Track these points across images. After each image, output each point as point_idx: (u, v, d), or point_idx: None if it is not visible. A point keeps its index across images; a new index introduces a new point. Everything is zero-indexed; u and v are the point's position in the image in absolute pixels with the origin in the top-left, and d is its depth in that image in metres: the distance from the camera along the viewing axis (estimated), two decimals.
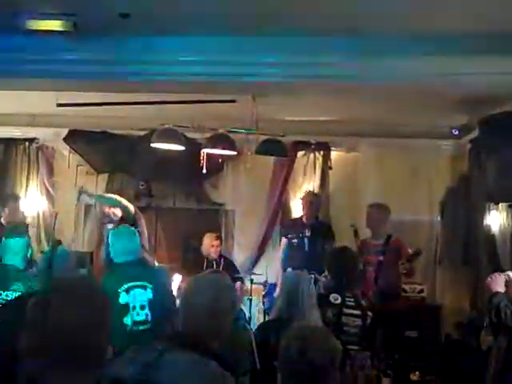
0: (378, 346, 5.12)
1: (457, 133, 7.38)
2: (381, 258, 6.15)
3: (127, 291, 4.29)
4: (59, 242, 5.46)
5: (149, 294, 4.37)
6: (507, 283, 3.91)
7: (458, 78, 4.80)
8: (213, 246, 7.04)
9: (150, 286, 4.40)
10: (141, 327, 4.28)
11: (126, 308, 4.25)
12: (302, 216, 7.17)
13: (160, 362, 2.36)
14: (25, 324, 1.72)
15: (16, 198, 7.00)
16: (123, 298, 4.27)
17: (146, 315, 4.32)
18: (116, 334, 3.24)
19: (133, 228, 5.12)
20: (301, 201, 7.26)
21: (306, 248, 6.84)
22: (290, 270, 6.27)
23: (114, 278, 4.39)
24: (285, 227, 7.44)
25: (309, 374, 2.47)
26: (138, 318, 4.29)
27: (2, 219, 6.64)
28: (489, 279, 4.01)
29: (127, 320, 4.25)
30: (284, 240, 7.21)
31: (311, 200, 7.12)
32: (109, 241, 4.73)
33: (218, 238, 7.20)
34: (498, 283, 3.91)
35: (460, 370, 5.69)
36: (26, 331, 1.71)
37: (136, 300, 4.31)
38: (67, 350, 1.67)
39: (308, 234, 6.85)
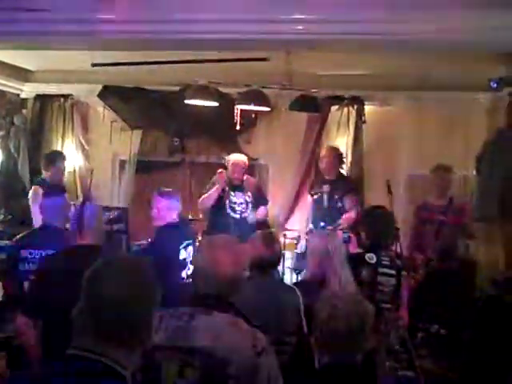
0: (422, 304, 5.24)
1: (495, 85, 7.18)
2: (443, 217, 6.19)
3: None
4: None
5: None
6: None
7: (497, 33, 4.67)
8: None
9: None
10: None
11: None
12: (322, 172, 6.97)
13: (191, 326, 2.42)
14: (79, 297, 1.79)
15: (63, 158, 6.95)
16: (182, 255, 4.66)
17: None
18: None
19: None
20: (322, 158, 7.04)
21: (325, 204, 6.72)
22: (317, 230, 6.31)
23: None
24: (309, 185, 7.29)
25: (339, 339, 2.50)
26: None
27: (48, 179, 6.66)
28: None
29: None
30: (308, 197, 7.15)
31: (330, 155, 6.91)
32: None
33: None
34: None
35: (493, 326, 5.68)
36: (79, 304, 1.78)
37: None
38: (117, 325, 1.74)
39: (327, 189, 6.71)
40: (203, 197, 6.63)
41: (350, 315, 2.52)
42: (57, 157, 6.90)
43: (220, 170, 6.52)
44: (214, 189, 6.53)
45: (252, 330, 2.46)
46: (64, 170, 6.97)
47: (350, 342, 2.51)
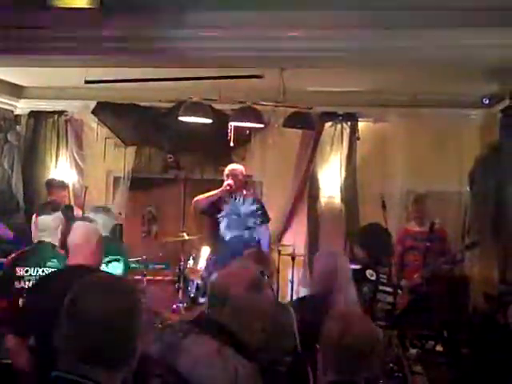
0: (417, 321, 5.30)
1: (487, 102, 7.25)
2: (428, 244, 6.27)
3: None
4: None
5: None
6: None
7: (486, 50, 4.73)
8: None
9: None
10: None
11: None
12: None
13: (181, 345, 2.43)
14: (60, 322, 1.76)
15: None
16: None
17: None
18: None
19: None
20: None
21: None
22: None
23: None
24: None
25: (348, 358, 2.46)
26: None
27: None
28: None
29: None
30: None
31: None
32: None
33: None
34: None
35: (486, 342, 5.67)
36: (62, 328, 1.75)
37: None
38: (102, 348, 1.71)
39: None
40: (201, 196, 6.48)
41: (364, 334, 2.48)
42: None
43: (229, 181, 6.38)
44: (217, 191, 6.38)
45: (234, 362, 2.38)
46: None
47: (361, 361, 2.47)
